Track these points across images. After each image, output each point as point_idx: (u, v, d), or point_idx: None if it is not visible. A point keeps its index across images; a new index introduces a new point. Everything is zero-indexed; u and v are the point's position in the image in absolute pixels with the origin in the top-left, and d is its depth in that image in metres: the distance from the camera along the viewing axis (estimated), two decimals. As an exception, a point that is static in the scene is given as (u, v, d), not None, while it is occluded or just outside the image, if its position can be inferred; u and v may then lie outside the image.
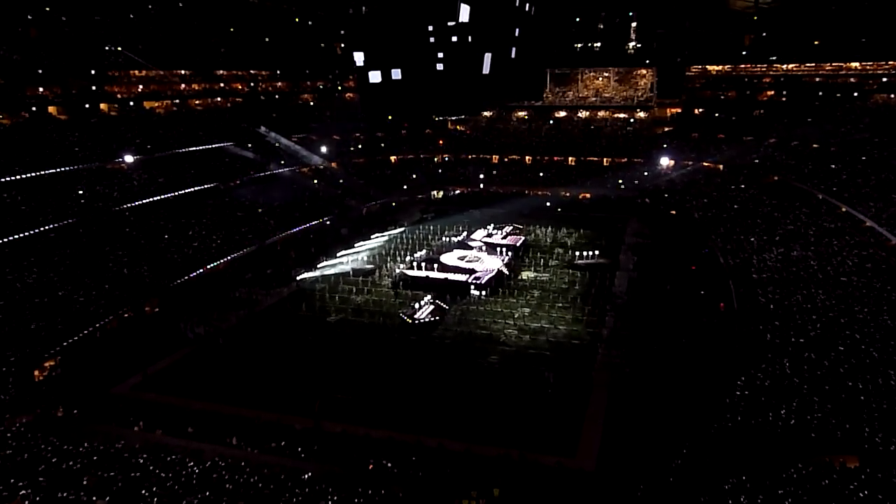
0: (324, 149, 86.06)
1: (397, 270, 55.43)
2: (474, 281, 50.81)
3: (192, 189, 63.61)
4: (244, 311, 47.84)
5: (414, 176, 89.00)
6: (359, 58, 43.74)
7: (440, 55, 40.79)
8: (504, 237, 64.02)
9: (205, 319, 45.20)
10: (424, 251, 59.58)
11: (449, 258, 56.69)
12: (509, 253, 59.04)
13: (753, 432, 27.35)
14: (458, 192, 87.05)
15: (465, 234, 65.21)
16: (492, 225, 67.29)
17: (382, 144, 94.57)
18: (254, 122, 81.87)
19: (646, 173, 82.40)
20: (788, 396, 29.29)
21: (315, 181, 79.49)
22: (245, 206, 66.38)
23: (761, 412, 28.52)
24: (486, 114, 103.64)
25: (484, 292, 49.94)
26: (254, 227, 62.42)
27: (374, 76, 44.05)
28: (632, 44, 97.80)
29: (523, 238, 64.62)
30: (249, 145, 77.21)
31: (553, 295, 49.62)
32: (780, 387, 30.30)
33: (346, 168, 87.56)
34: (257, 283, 52.64)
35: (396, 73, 43.40)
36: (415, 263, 55.51)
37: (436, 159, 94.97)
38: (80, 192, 54.86)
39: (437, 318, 45.16)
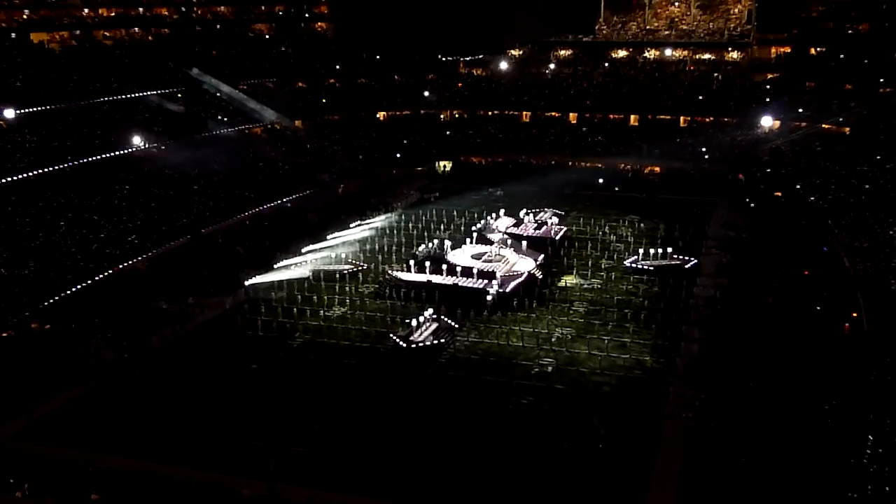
0: (284, 101, 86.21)
1: (388, 273, 55.57)
2: (495, 288, 50.79)
3: (99, 157, 63.84)
4: (171, 328, 47.95)
5: (410, 140, 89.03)
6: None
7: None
8: (538, 227, 63.97)
9: (116, 340, 45.31)
10: (425, 246, 59.61)
11: (460, 256, 56.64)
12: (545, 249, 58.97)
13: (891, 508, 27.20)
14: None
15: (482, 222, 65.19)
16: (523, 210, 67.28)
17: (366, 95, 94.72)
18: (185, 61, 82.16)
19: (740, 138, 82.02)
20: (942, 457, 29.07)
21: (271, 146, 79.69)
22: (173, 181, 66.56)
23: (903, 480, 28.33)
24: (515, 52, 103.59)
25: (508, 305, 50.01)
26: (186, 210, 62.61)
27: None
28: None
29: (564, 228, 64.54)
30: (179, 95, 77.40)
31: (607, 310, 49.55)
32: (930, 444, 30.09)
33: (315, 128, 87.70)
34: (189, 290, 52.80)
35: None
36: (412, 263, 55.50)
37: (442, 116, 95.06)
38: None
39: (443, 340, 45.17)
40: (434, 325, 46.63)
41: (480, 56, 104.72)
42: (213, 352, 45.20)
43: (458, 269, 53.40)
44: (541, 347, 44.53)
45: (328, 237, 65.25)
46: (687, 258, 57.22)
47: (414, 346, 44.42)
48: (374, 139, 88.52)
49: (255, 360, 43.96)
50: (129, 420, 37.84)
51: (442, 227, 67.50)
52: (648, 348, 44.25)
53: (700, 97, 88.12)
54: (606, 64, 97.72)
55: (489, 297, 50.33)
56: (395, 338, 45.42)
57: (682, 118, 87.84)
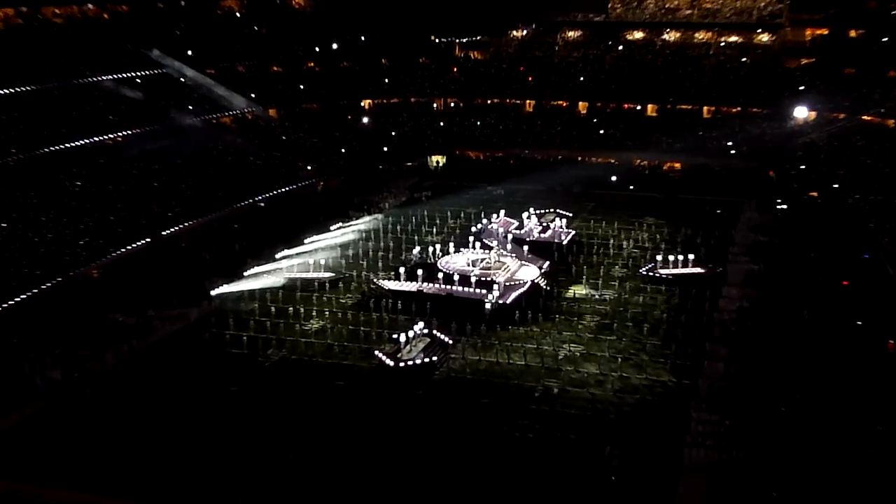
0: (257, 87, 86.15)
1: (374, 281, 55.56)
2: (494, 300, 50.79)
3: (47, 150, 63.59)
4: (128, 344, 47.80)
5: (399, 131, 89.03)
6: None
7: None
8: (543, 230, 64.03)
9: (64, 358, 45.14)
10: (417, 251, 59.58)
11: (454, 263, 56.66)
12: (551, 255, 59.12)
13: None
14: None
15: (480, 224, 65.24)
16: (526, 212, 67.25)
17: (350, 81, 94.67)
18: (145, 42, 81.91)
19: (771, 131, 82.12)
20: None
21: (242, 138, 79.61)
22: (131, 177, 66.40)
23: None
24: (517, 34, 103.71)
25: (509, 318, 50.05)
26: (145, 211, 62.48)
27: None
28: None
29: (573, 232, 64.60)
30: (138, 80, 77.28)
31: (620, 324, 49.60)
32: None
33: (291, 117, 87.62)
34: (149, 301, 52.71)
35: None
36: (401, 270, 55.45)
37: (435, 105, 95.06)
38: None
39: (435, 358, 45.10)
40: (425, 342, 46.58)
41: (479, 37, 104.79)
42: (175, 370, 45.04)
43: (453, 277, 53.36)
44: (546, 367, 44.53)
45: (306, 241, 65.17)
46: (711, 266, 57.31)
47: (402, 364, 44.33)
48: (360, 130, 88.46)
49: (225, 379, 43.85)
50: (79, 448, 37.67)
51: (434, 230, 67.49)
52: (667, 368, 44.24)
53: (726, 85, 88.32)
54: (620, 47, 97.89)
55: (487, 308, 50.32)
56: (380, 355, 45.30)
57: (705, 108, 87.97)
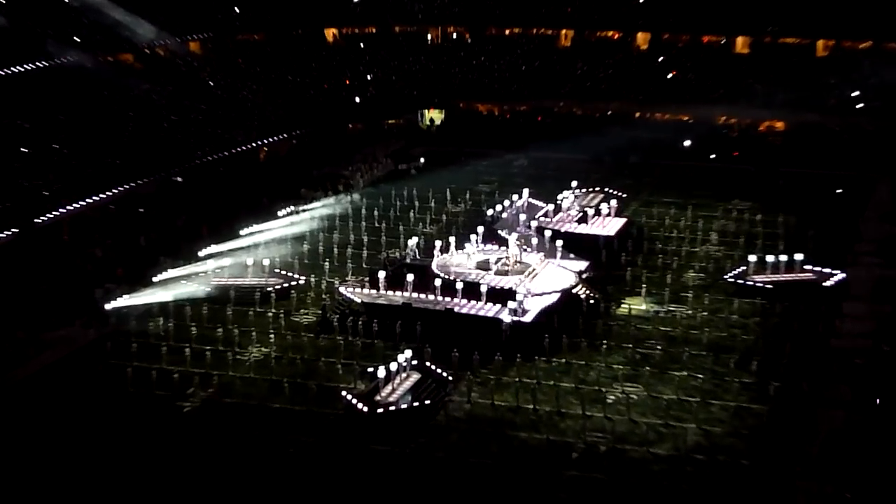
0: (172, 10, 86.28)
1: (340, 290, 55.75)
2: (513, 316, 50.99)
3: None
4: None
5: (378, 74, 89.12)
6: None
7: None
8: (583, 218, 64.17)
9: None
10: (413, 243, 59.63)
11: (457, 264, 56.90)
12: (595, 254, 59.38)
13: None
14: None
15: (495, 209, 65.34)
16: (562, 192, 67.33)
17: (306, 1, 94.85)
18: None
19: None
20: None
21: (150, 84, 79.73)
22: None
23: None
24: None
25: (535, 344, 50.28)
26: (11, 189, 62.62)
27: None
28: None
29: (625, 220, 64.77)
30: (3, 1, 77.39)
31: (694, 354, 49.77)
32: None
33: (223, 54, 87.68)
34: (18, 318, 52.82)
35: None
36: (381, 275, 55.56)
37: (430, 37, 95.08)
38: None
39: (428, 402, 45.21)
40: (414, 377, 46.72)
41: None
42: (55, 416, 45.05)
43: (455, 285, 53.48)
44: (588, 415, 44.63)
45: (242, 233, 65.27)
46: (827, 271, 57.42)
47: (381, 410, 44.47)
48: (319, 73, 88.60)
49: (126, 430, 43.94)
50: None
51: (428, 217, 67.59)
52: (763, 417, 44.32)
53: (850, 9, 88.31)
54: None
55: (504, 327, 50.51)
56: (350, 397, 45.45)
57: (820, 42, 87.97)
